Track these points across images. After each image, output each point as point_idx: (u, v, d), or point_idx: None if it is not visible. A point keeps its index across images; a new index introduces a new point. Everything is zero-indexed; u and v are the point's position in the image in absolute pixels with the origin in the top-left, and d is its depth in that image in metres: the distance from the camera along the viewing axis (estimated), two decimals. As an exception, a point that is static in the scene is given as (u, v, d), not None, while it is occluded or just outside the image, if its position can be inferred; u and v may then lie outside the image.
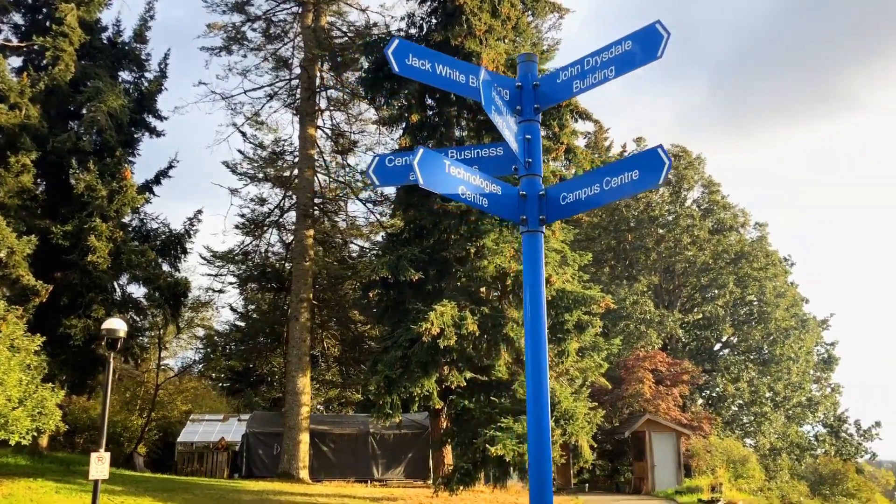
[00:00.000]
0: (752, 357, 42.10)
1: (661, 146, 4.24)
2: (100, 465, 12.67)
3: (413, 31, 23.42)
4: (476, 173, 4.46)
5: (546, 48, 24.39)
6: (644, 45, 4.35)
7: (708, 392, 41.71)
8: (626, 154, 41.76)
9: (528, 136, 4.58)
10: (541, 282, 4.22)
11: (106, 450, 13.09)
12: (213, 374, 35.37)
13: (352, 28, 28.28)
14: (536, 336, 4.16)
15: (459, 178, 4.35)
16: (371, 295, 21.33)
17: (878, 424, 45.61)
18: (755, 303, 42.59)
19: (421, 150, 4.07)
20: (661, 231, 41.46)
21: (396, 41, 4.69)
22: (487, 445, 17.81)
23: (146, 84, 24.91)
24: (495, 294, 21.55)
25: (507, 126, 4.41)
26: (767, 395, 41.01)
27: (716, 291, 41.43)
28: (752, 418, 41.10)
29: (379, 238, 29.01)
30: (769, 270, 42.08)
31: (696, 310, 42.28)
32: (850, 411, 54.27)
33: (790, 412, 42.53)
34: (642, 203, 40.73)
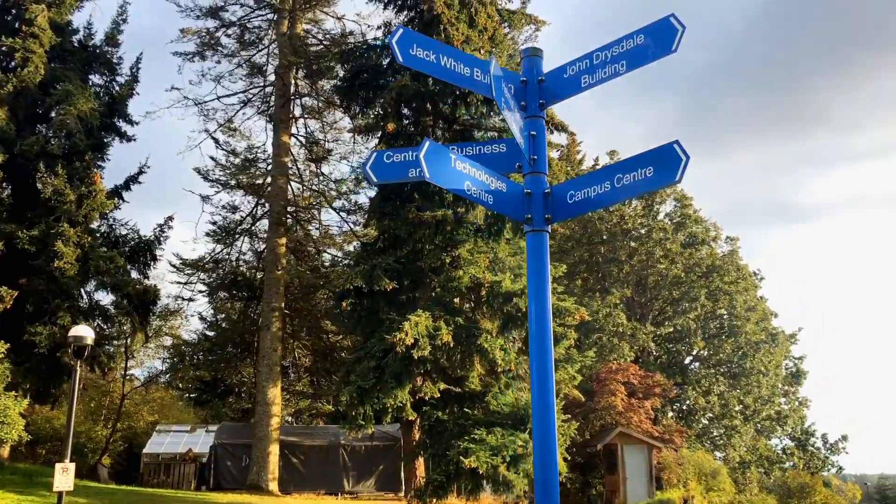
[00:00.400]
0: (722, 370, 42.39)
1: (677, 141, 4.06)
2: (65, 476, 12.32)
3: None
4: (482, 169, 4.31)
5: (520, 61, 24.46)
6: (658, 39, 4.23)
7: (678, 405, 41.89)
8: (598, 167, 41.97)
9: (533, 133, 4.44)
10: (546, 283, 4.09)
11: (70, 461, 12.74)
12: (181, 385, 34.78)
13: (327, 36, 28.11)
14: (542, 338, 4.03)
15: (465, 174, 4.19)
16: (344, 304, 21.09)
17: (844, 438, 46.19)
18: (725, 316, 42.93)
19: (427, 143, 3.92)
20: (633, 244, 41.67)
21: (401, 30, 4.55)
22: (461, 458, 17.64)
23: (117, 88, 24.56)
24: (469, 305, 21.45)
25: (515, 121, 4.26)
26: (737, 408, 41.28)
27: (686, 305, 41.67)
28: (723, 431, 41.33)
29: (351, 248, 28.79)
30: (740, 284, 42.47)
31: (667, 323, 42.49)
32: (818, 425, 54.82)
33: (759, 425, 42.86)
34: (615, 216, 40.95)
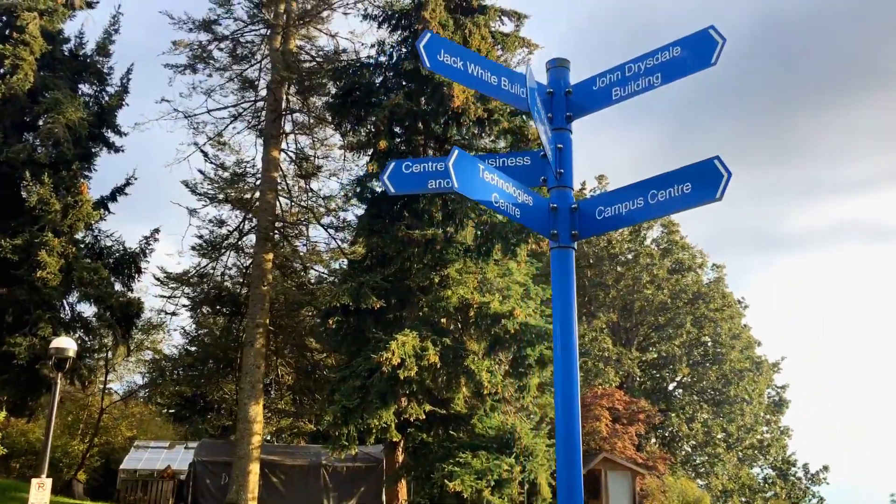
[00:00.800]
0: (706, 397, 42.35)
1: (718, 157, 3.88)
2: (41, 491, 12.01)
3: (383, 59, 23.35)
4: (509, 181, 4.16)
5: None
6: (696, 51, 4.10)
7: (661, 432, 41.77)
8: (586, 193, 42.06)
9: (560, 146, 4.31)
10: (572, 301, 3.94)
11: (46, 476, 12.44)
12: (160, 400, 34.24)
13: (320, 53, 28.04)
14: (567, 358, 3.88)
15: (493, 185, 4.05)
16: (330, 322, 20.89)
17: (825, 469, 46.13)
18: (710, 344, 42.96)
19: (456, 152, 3.79)
20: (619, 269, 41.70)
21: (428, 35, 4.42)
22: (445, 481, 17.45)
23: (107, 98, 24.38)
24: (456, 325, 21.29)
25: (545, 133, 4.14)
26: (720, 436, 41.20)
27: (672, 331, 41.69)
28: (705, 459, 41.20)
29: (337, 265, 28.57)
30: (725, 312, 42.56)
31: (651, 349, 42.46)
32: (800, 455, 54.63)
33: (742, 454, 42.78)
34: (602, 239, 41.00)
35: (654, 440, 40.13)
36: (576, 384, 3.91)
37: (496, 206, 4.07)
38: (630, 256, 41.96)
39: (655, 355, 42.26)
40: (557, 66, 4.58)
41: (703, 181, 3.92)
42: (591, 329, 37.61)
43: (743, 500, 41.79)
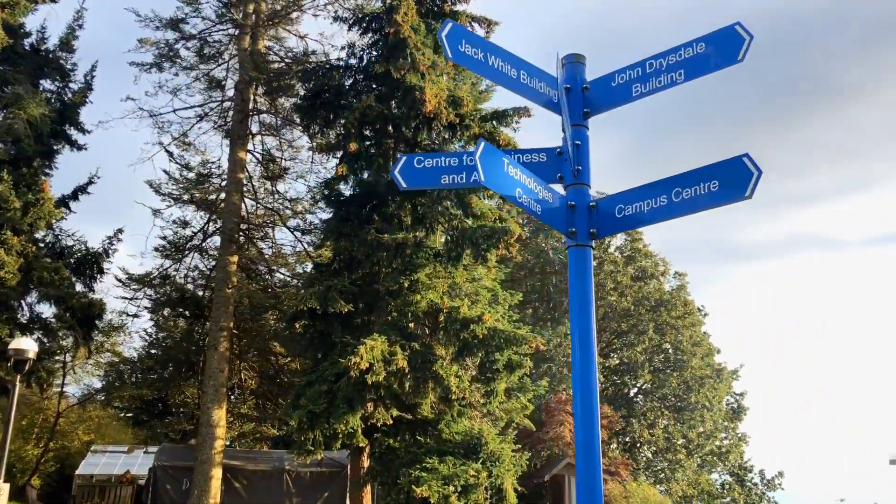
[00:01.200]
0: (667, 404, 42.76)
1: (747, 154, 3.81)
2: (-2, 497, 11.67)
3: (353, 61, 23.21)
4: (532, 176, 4.09)
5: (485, 88, 24.44)
6: (721, 48, 4.03)
7: (623, 437, 42.06)
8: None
9: (578, 143, 4.26)
10: (590, 301, 3.90)
11: (4, 481, 12.09)
12: (119, 404, 33.60)
13: (289, 54, 27.81)
14: (586, 361, 3.84)
15: (517, 180, 3.98)
16: (297, 326, 20.64)
17: (780, 475, 46.92)
18: (671, 351, 43.38)
19: (482, 144, 3.72)
20: (584, 275, 41.90)
21: (450, 24, 4.31)
22: (412, 486, 17.34)
23: (70, 95, 23.84)
24: (424, 330, 21.20)
25: (567, 129, 4.08)
26: (681, 442, 41.62)
27: (634, 338, 42.03)
28: (666, 465, 41.58)
29: (302, 269, 28.33)
30: (686, 319, 43.05)
31: (613, 355, 42.75)
32: (756, 461, 55.39)
33: (701, 460, 43.28)
34: (568, 247, 41.14)
35: (615, 446, 40.38)
36: (594, 383, 3.87)
37: (519, 202, 4.00)
38: (594, 263, 42.19)
39: (618, 361, 42.57)
40: (574, 62, 4.50)
41: (732, 179, 3.85)
42: (556, 335, 37.78)
43: (702, 505, 42.27)
